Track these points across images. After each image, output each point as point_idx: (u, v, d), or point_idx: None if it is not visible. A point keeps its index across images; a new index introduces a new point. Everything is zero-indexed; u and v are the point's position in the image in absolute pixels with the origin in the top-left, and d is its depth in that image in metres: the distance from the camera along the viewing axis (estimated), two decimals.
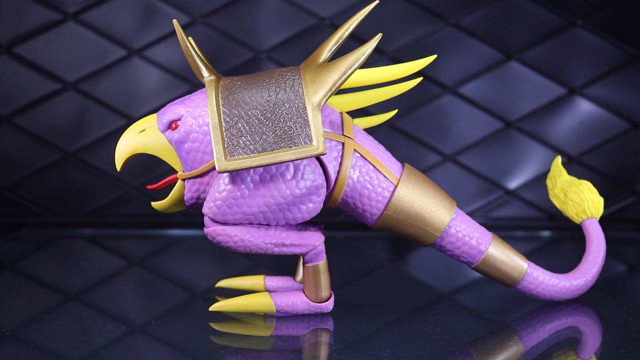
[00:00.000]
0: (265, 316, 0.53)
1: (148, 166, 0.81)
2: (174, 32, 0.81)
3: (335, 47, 0.51)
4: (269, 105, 0.49)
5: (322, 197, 0.51)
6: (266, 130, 0.49)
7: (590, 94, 0.83)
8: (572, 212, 0.58)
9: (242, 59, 0.82)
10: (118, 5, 0.81)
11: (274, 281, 0.57)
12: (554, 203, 0.60)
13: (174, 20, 0.51)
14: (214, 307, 0.53)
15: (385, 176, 0.53)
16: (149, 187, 0.54)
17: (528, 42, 0.82)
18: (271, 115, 0.49)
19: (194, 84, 0.82)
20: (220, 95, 0.50)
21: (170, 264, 0.73)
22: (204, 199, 0.52)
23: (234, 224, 0.51)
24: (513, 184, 0.84)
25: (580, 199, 0.58)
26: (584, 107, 0.83)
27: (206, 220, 0.51)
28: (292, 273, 0.58)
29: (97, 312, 0.56)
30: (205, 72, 0.51)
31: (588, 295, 0.57)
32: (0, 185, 0.82)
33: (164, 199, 0.53)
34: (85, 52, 0.81)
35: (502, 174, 0.84)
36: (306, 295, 0.53)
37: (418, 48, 0.82)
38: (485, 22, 0.82)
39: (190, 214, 0.80)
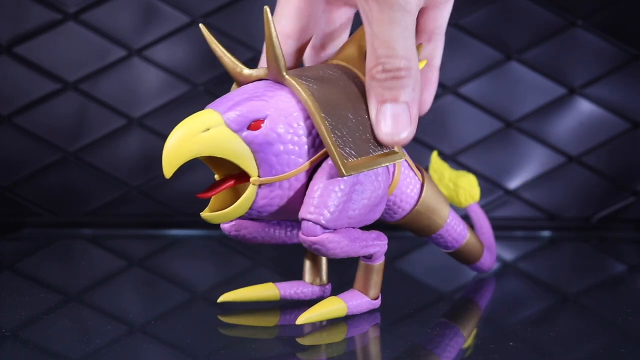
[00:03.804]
0: (265, 316, 0.53)
1: (148, 166, 0.81)
2: (174, 32, 0.81)
3: None
4: (353, 109, 0.49)
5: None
6: (359, 135, 0.48)
7: (590, 94, 0.83)
8: (462, 197, 0.65)
9: (242, 59, 0.81)
10: (118, 5, 0.81)
11: (286, 287, 0.54)
12: (442, 192, 0.61)
13: (201, 25, 0.51)
14: (302, 317, 0.49)
15: (414, 172, 0.54)
16: (199, 195, 0.47)
17: (528, 42, 0.82)
18: (358, 118, 0.49)
19: (194, 84, 0.82)
20: (312, 96, 0.47)
21: (170, 264, 0.73)
22: (279, 206, 0.48)
23: (335, 229, 0.48)
24: (513, 184, 0.84)
25: (470, 185, 0.65)
26: (584, 107, 0.83)
27: (311, 228, 0.47)
28: (292, 273, 0.58)
29: (97, 312, 0.56)
30: (282, 70, 0.48)
31: (588, 295, 0.57)
32: (0, 185, 0.82)
33: (205, 206, 0.48)
34: (85, 52, 0.81)
35: (502, 174, 0.84)
36: (365, 294, 0.52)
37: None
38: (485, 22, 0.82)
39: (191, 213, 0.80)
